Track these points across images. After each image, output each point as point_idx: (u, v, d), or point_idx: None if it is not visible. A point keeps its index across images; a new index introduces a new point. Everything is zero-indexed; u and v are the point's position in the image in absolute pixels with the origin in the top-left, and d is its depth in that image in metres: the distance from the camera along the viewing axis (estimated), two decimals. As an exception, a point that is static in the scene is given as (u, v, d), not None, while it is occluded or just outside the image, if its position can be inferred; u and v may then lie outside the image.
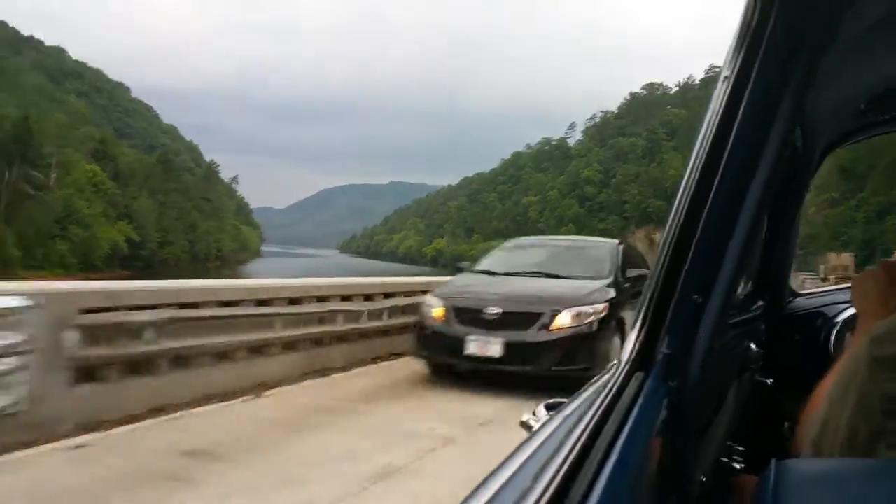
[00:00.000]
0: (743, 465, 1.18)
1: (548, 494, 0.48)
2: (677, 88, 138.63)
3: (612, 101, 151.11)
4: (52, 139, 45.23)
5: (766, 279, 2.04)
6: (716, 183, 0.75)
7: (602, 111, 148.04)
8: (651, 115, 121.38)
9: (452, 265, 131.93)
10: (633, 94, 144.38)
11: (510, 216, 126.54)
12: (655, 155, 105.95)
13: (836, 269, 49.15)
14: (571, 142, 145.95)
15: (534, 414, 0.96)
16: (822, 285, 42.56)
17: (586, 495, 0.49)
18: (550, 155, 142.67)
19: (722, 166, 0.75)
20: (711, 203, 0.75)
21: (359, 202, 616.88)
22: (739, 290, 1.66)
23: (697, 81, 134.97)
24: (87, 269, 43.97)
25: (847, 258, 51.67)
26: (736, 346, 1.17)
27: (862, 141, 1.87)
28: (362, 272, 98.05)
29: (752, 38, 0.74)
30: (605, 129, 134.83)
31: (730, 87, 0.76)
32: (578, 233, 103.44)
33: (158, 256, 54.39)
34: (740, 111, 0.75)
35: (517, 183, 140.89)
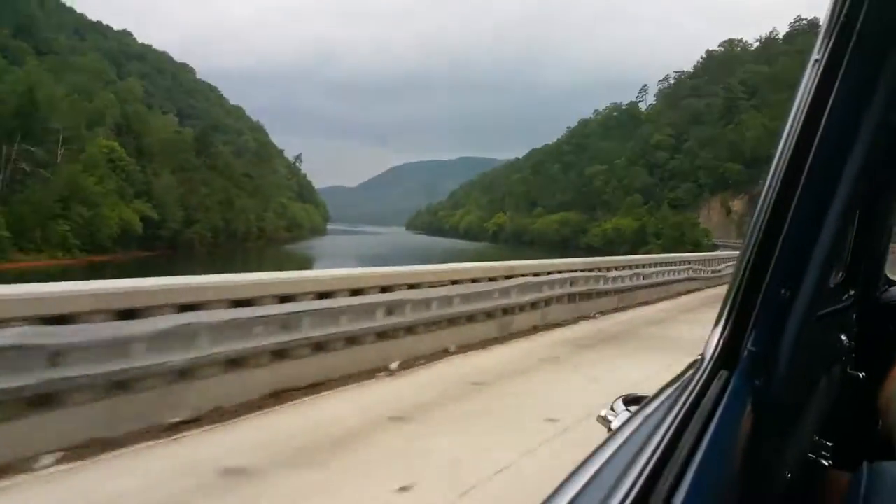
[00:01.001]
0: (832, 463, 1.13)
1: (632, 494, 0.47)
2: (758, 44, 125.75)
3: (689, 62, 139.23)
4: (63, 114, 43.18)
5: (858, 268, 1.91)
6: (805, 171, 0.71)
7: (676, 72, 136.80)
8: (730, 74, 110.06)
9: (515, 240, 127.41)
10: (709, 52, 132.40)
11: (574, 187, 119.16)
12: (733, 116, 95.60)
13: None
14: (643, 106, 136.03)
15: (612, 409, 0.94)
16: None
17: (670, 496, 0.48)
18: (619, 121, 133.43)
19: (812, 153, 0.71)
20: (801, 192, 0.72)
21: (428, 178, 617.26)
22: (830, 279, 1.63)
23: (781, 36, 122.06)
24: (94, 250, 41.92)
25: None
26: (826, 339, 1.15)
27: None
28: (417, 248, 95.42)
29: (844, 19, 0.70)
30: (679, 91, 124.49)
31: (820, 71, 0.72)
32: (645, 204, 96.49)
33: (184, 236, 52.22)
34: (832, 96, 0.71)
35: (583, 152, 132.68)
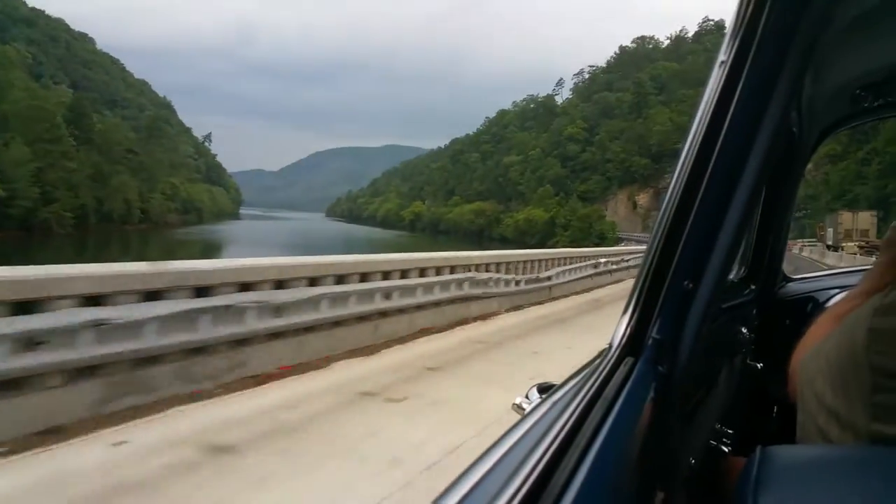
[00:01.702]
0: (731, 448, 1.18)
1: (533, 476, 0.49)
2: (669, 42, 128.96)
3: (604, 57, 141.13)
4: None
5: (759, 264, 2.04)
6: (710, 169, 0.76)
7: (590, 66, 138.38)
8: (640, 70, 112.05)
9: (432, 229, 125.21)
10: (622, 48, 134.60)
11: (492, 177, 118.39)
12: (642, 110, 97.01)
13: (851, 233, 37.85)
14: (559, 99, 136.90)
15: (527, 397, 0.96)
16: (829, 254, 34.10)
17: (570, 478, 0.50)
18: (536, 113, 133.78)
19: (716, 152, 0.75)
20: (705, 189, 0.76)
21: (353, 165, 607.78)
22: (732, 274, 1.72)
23: (690, 35, 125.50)
24: None
25: (866, 219, 39.34)
26: (727, 331, 1.20)
27: (858, 126, 1.90)
28: (323, 238, 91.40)
29: (748, 23, 0.74)
30: (594, 86, 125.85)
31: (726, 72, 0.76)
32: (557, 195, 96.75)
33: (39, 216, 46.40)
34: (735, 96, 0.75)
35: (501, 142, 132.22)
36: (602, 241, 67.45)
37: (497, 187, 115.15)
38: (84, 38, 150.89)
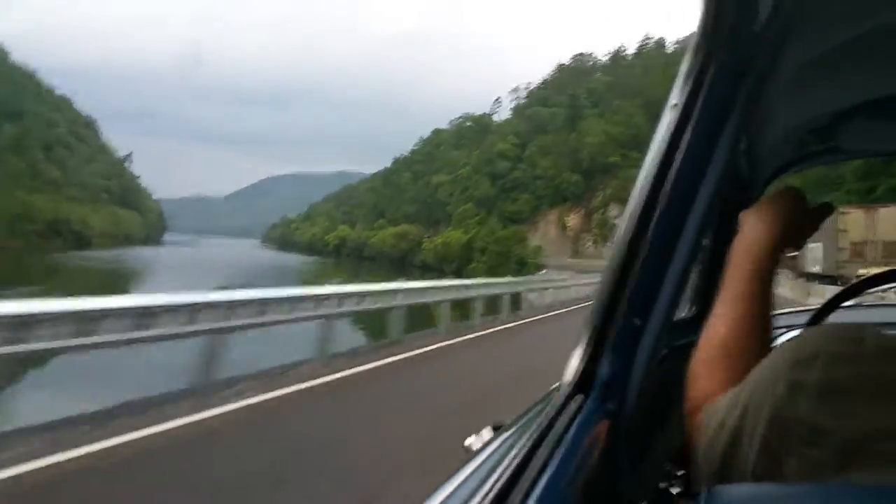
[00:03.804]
0: (681, 490, 1.17)
1: None
2: (608, 58, 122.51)
3: (542, 75, 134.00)
4: None
5: (709, 302, 1.83)
6: (658, 208, 0.77)
7: (527, 83, 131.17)
8: (578, 85, 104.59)
9: (357, 254, 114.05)
10: (560, 66, 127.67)
11: (421, 198, 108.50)
12: (576, 123, 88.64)
13: (863, 248, 22.76)
14: (497, 118, 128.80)
15: (479, 435, 0.95)
16: (814, 289, 24.29)
17: None
18: (472, 131, 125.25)
19: (667, 191, 0.77)
20: (654, 227, 0.77)
21: (302, 191, 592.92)
22: (684, 313, 1.74)
23: (631, 52, 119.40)
24: None
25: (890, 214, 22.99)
26: (678, 369, 1.22)
27: (805, 170, 1.90)
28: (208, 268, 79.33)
29: (700, 67, 0.76)
30: (530, 103, 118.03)
31: (677, 116, 0.78)
32: (486, 217, 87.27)
33: None
34: (685, 137, 0.77)
35: (434, 161, 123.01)
36: (522, 267, 57.67)
37: (425, 208, 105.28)
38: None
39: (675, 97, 0.79)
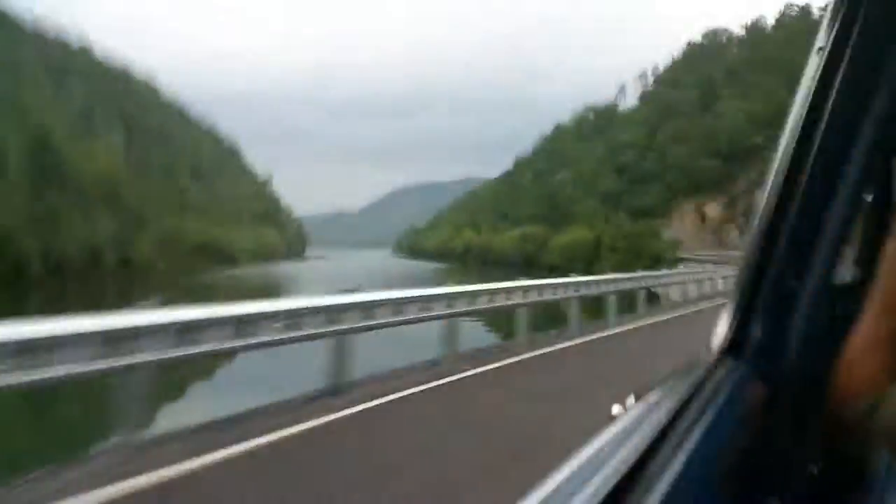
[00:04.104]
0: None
1: (621, 472, 0.46)
2: (743, 32, 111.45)
3: (671, 57, 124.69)
4: None
5: (871, 264, 1.76)
6: (811, 160, 0.71)
7: (653, 67, 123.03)
8: (711, 64, 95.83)
9: (482, 258, 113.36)
10: (690, 45, 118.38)
11: (544, 198, 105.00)
12: (711, 105, 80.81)
13: None
14: (623, 107, 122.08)
15: (624, 406, 0.94)
16: None
17: (659, 475, 0.48)
18: (595, 125, 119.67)
19: (817, 143, 0.71)
20: (806, 183, 0.71)
21: (431, 200, 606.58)
22: (848, 276, 1.62)
23: (770, 23, 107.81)
24: None
25: None
26: (838, 334, 1.17)
27: None
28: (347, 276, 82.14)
29: (847, 9, 0.69)
30: (658, 88, 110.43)
31: (824, 59, 0.71)
32: (612, 212, 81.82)
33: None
34: (835, 84, 0.70)
35: (557, 159, 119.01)
36: (656, 263, 52.86)
37: (550, 208, 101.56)
38: (146, 88, 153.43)
39: (822, 39, 0.72)
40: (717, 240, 66.78)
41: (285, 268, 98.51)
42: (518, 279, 11.31)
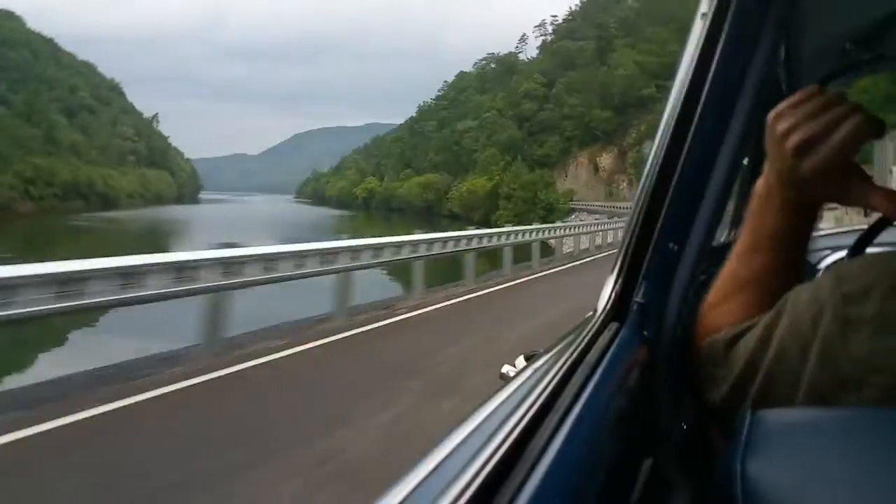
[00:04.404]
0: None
1: (510, 439, 0.47)
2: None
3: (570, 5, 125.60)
4: None
5: None
6: (693, 125, 0.73)
7: (553, 16, 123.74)
8: (607, 15, 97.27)
9: (385, 206, 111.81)
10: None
11: (447, 146, 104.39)
12: (606, 57, 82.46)
13: None
14: (524, 57, 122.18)
15: (514, 365, 0.94)
16: None
17: (548, 441, 0.49)
18: (496, 73, 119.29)
19: (699, 108, 0.72)
20: (688, 147, 0.73)
21: (333, 146, 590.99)
22: (723, 237, 1.68)
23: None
24: None
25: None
26: None
27: (849, 82, 1.81)
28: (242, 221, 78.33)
29: None
30: (556, 38, 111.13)
31: (707, 25, 0.73)
32: (511, 162, 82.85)
33: None
34: (718, 49, 0.72)
35: (459, 107, 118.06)
36: (549, 213, 54.20)
37: (452, 156, 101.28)
38: (9, 17, 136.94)
39: (705, 5, 0.73)
40: (608, 191, 69.33)
41: (173, 211, 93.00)
42: (413, 231, 11.23)
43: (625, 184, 68.09)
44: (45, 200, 67.69)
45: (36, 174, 65.56)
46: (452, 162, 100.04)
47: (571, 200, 65.88)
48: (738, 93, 0.73)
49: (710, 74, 0.72)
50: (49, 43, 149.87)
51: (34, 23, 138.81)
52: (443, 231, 13.04)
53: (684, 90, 0.74)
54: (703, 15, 0.73)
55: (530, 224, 18.19)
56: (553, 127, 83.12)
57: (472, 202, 74.81)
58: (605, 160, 73.12)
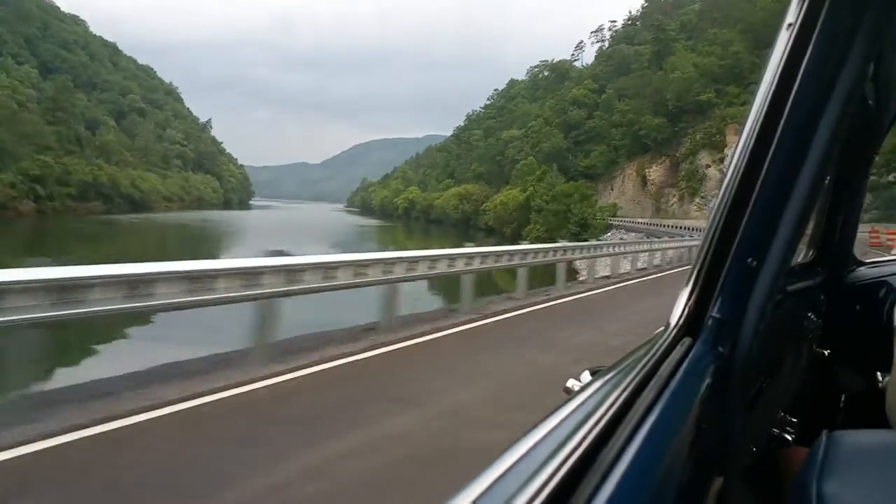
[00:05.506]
0: (795, 437, 1.13)
1: (580, 449, 0.46)
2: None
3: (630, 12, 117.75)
4: None
5: (827, 246, 1.93)
6: (775, 141, 0.71)
7: (611, 21, 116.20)
8: (669, 18, 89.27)
9: (424, 217, 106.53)
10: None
11: (491, 156, 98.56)
12: (663, 60, 74.67)
13: None
14: (579, 64, 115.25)
15: (578, 379, 0.93)
16: None
17: (620, 453, 0.48)
18: (549, 81, 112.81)
19: (782, 123, 0.71)
20: (769, 163, 0.71)
21: (392, 156, 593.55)
22: (800, 257, 1.68)
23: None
24: None
25: None
26: (793, 315, 1.18)
27: None
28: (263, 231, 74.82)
29: None
30: (616, 43, 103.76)
31: (793, 36, 0.71)
32: (545, 173, 75.36)
33: None
34: (804, 63, 0.70)
35: (507, 115, 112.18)
36: (583, 230, 47.20)
37: (496, 167, 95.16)
38: (74, 21, 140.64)
39: (791, 15, 0.71)
40: (656, 207, 61.64)
41: (212, 216, 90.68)
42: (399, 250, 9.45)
43: (675, 199, 60.25)
44: (55, 200, 65.24)
45: (44, 172, 63.14)
46: (495, 172, 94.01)
47: (614, 216, 58.48)
48: (823, 109, 0.71)
49: (795, 88, 0.70)
50: (109, 47, 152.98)
51: (97, 28, 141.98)
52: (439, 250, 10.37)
53: (767, 102, 0.72)
54: (790, 25, 0.71)
55: (558, 241, 15.42)
56: (601, 136, 75.82)
57: (506, 215, 68.39)
58: (655, 172, 65.33)
